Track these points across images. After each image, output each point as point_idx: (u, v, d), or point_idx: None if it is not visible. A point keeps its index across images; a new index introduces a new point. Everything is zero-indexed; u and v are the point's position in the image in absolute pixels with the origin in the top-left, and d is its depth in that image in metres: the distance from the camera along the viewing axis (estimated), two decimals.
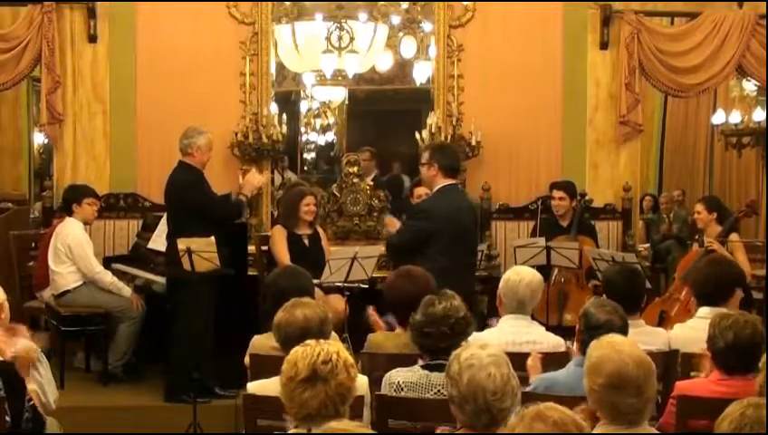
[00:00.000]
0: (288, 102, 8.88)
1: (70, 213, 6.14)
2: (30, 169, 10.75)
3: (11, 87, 7.12)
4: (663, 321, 5.47)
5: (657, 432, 2.82)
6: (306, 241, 6.17)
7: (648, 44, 6.99)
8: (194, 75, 6.90)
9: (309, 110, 9.58)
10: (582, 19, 7.10)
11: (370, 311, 4.55)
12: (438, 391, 3.24)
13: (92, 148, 6.91)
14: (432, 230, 5.03)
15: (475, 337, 3.62)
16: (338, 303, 5.70)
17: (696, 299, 4.31)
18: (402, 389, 3.34)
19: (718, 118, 10.58)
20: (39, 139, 10.66)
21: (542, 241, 6.11)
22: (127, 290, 6.11)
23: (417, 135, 7.07)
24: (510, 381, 2.62)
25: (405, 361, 3.52)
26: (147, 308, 6.12)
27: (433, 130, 6.92)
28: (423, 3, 7.65)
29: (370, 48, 7.49)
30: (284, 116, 7.25)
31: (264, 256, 6.24)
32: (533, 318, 4.20)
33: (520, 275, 4.07)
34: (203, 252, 5.27)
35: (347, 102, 9.37)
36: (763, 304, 6.27)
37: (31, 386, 3.63)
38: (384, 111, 9.82)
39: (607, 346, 2.76)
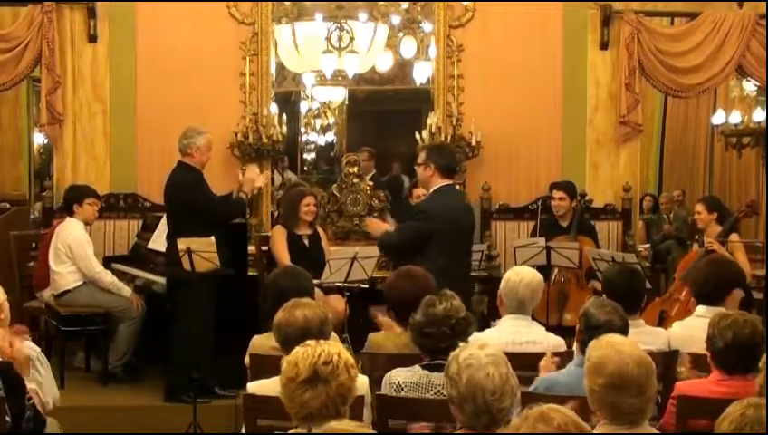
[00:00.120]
0: (288, 102, 8.89)
1: (71, 213, 6.13)
2: (30, 169, 10.74)
3: (11, 87, 7.11)
4: (663, 321, 5.47)
5: (657, 432, 2.82)
6: (306, 241, 6.17)
7: (648, 44, 6.99)
8: (194, 75, 6.90)
9: (309, 110, 9.59)
10: (582, 19, 7.10)
11: (375, 312, 4.54)
12: (438, 391, 3.24)
13: (92, 148, 6.92)
14: (431, 230, 5.03)
15: (476, 337, 3.62)
16: (338, 303, 5.70)
17: (695, 298, 4.32)
18: (402, 389, 3.34)
19: (718, 118, 10.58)
20: (39, 139, 10.66)
21: (542, 241, 6.10)
22: (127, 290, 6.11)
23: (417, 135, 7.07)
24: (509, 380, 2.62)
25: (405, 361, 3.52)
26: (147, 308, 6.12)
27: (433, 131, 6.92)
28: (423, 3, 7.65)
29: (370, 48, 7.49)
30: (284, 116, 7.26)
31: (264, 256, 6.24)
32: (533, 318, 4.20)
33: (520, 276, 4.07)
34: (203, 252, 5.27)
35: (347, 103, 9.38)
36: (763, 304, 6.27)
37: (31, 386, 3.64)
38: (384, 112, 9.82)
39: (607, 346, 2.75)
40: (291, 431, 2.68)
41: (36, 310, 6.66)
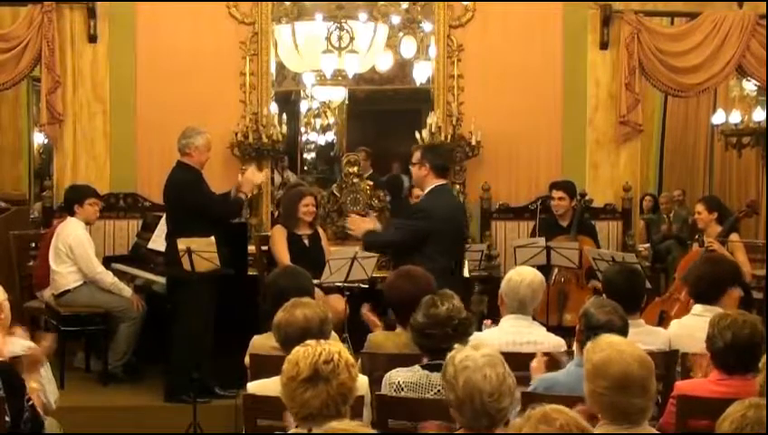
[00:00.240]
0: (288, 102, 8.88)
1: (72, 213, 6.13)
2: (30, 169, 10.74)
3: (11, 87, 7.13)
4: (663, 321, 5.46)
5: (657, 432, 2.82)
6: (306, 241, 6.17)
7: (648, 44, 6.99)
8: (194, 75, 6.90)
9: (309, 110, 9.59)
10: (582, 19, 7.11)
11: (365, 310, 4.54)
12: (438, 391, 3.23)
13: (92, 148, 6.93)
14: (430, 230, 5.03)
15: (476, 337, 3.62)
16: (338, 303, 5.70)
17: (692, 297, 4.33)
18: (402, 389, 3.34)
19: (718, 118, 10.58)
20: (39, 139, 10.65)
21: (541, 241, 6.10)
22: (127, 290, 6.10)
23: (417, 135, 7.07)
24: (506, 380, 2.61)
25: (405, 361, 3.52)
26: (147, 308, 6.12)
27: (433, 130, 6.92)
28: (423, 3, 7.64)
29: (370, 48, 7.49)
30: (284, 116, 7.26)
31: (264, 256, 6.24)
32: (533, 319, 4.20)
33: (521, 276, 4.07)
34: (203, 252, 5.26)
35: (347, 102, 9.37)
36: (763, 304, 6.27)
37: (33, 385, 3.63)
38: (384, 111, 9.81)
39: (608, 348, 2.73)
40: (291, 431, 2.68)
41: (36, 310, 6.65)
